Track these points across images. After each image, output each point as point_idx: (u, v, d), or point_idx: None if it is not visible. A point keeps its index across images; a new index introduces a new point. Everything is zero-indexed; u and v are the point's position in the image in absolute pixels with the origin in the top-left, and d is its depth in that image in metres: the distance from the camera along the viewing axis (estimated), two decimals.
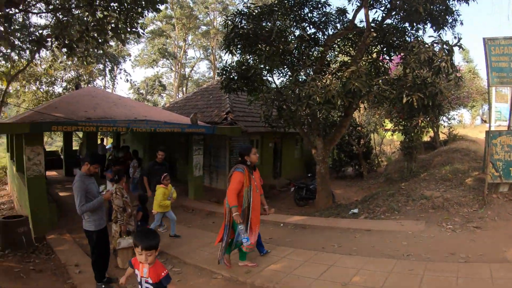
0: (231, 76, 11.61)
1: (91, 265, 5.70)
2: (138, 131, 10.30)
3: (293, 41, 11.00)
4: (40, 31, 14.45)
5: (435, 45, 8.69)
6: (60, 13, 9.97)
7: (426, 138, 23.33)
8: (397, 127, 18.70)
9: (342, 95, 8.41)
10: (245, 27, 10.43)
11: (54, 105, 10.12)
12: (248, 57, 11.87)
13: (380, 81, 9.44)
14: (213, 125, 12.74)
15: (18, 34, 13.06)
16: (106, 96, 13.43)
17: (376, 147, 25.36)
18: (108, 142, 27.95)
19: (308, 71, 11.44)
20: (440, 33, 9.68)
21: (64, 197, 13.11)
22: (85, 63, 22.19)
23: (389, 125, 22.59)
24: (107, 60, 30.02)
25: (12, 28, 10.15)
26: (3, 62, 17.43)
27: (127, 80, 42.10)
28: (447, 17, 9.77)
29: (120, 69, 35.28)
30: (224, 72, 11.69)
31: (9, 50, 14.72)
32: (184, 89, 46.88)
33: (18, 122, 8.34)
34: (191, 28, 41.82)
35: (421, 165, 15.56)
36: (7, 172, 21.44)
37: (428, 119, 10.24)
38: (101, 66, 31.32)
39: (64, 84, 26.16)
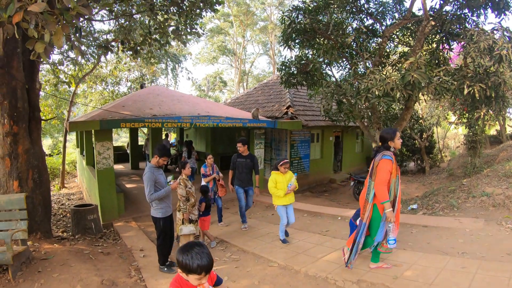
0: (291, 71, 11.70)
1: (156, 250, 6.20)
2: (201, 126, 10.74)
3: (350, 34, 10.81)
4: (105, 37, 15.42)
5: (495, 32, 8.33)
6: (122, 19, 10.64)
7: (492, 132, 22.31)
8: (460, 120, 18.05)
9: (401, 87, 8.18)
10: (302, 21, 10.39)
11: (121, 104, 10.83)
12: (307, 51, 11.87)
13: (441, 72, 9.10)
14: (274, 119, 12.87)
15: (84, 40, 13.93)
16: (170, 94, 13.98)
17: (439, 141, 24.47)
18: (171, 137, 28.95)
19: (367, 64, 11.23)
20: (502, 19, 9.22)
21: (130, 188, 14.04)
22: (148, 64, 23.23)
23: (452, 117, 21.77)
24: (168, 59, 31.03)
25: (81, 37, 10.88)
26: (72, 66, 18.57)
27: (189, 78, 43.28)
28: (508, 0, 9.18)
29: (182, 68, 36.38)
30: (283, 67, 11.82)
31: (79, 57, 15.80)
32: (244, 84, 47.24)
33: (89, 120, 9.06)
34: (249, 25, 42.13)
35: (485, 161, 14.87)
36: (76, 166, 23.01)
37: (491, 111, 9.71)
38: (163, 66, 32.46)
39: (129, 83, 27.34)
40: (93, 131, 10.04)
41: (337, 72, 13.19)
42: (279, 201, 7.05)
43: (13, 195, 6.21)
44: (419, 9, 11.53)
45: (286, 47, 11.27)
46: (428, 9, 9.61)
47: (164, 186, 5.88)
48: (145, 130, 30.14)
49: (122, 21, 10.62)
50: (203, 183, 8.38)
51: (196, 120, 10.38)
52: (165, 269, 6.02)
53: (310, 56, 11.60)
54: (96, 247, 7.31)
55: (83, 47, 13.14)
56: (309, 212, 10.16)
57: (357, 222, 5.36)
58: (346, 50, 11.45)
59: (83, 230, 8.45)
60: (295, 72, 11.51)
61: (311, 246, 6.76)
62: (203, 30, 12.89)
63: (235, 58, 45.43)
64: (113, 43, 9.87)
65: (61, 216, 11.54)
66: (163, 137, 19.07)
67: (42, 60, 7.18)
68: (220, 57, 45.22)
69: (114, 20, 11.24)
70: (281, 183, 6.97)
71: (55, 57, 23.36)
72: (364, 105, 9.66)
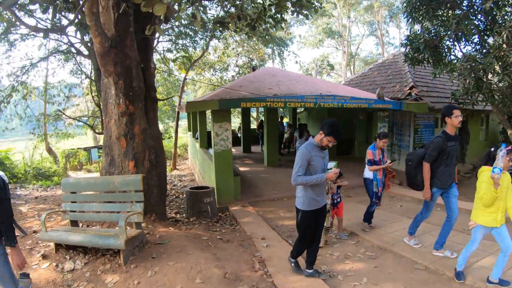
0: (418, 46, 10.32)
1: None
2: (324, 107, 9.93)
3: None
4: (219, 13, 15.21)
5: None
6: None
7: None
8: None
9: None
10: None
11: (238, 84, 10.40)
12: (433, 23, 10.46)
13: None
14: (397, 101, 11.74)
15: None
16: (286, 74, 13.36)
17: None
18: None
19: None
20: None
21: (244, 172, 13.65)
22: (262, 45, 23.05)
23: None
24: (275, 44, 30.70)
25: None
26: (182, 52, 18.91)
27: (296, 62, 42.71)
28: None
29: (289, 52, 35.80)
30: (409, 42, 10.55)
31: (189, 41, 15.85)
32: (351, 68, 45.59)
33: (208, 99, 8.69)
34: (353, 4, 39.99)
35: None
36: (187, 149, 23.74)
37: None
38: (269, 51, 32.21)
39: (237, 69, 27.47)
40: (210, 112, 9.68)
41: (464, 47, 11.40)
42: (483, 216, 4.40)
43: (129, 176, 5.88)
44: None
45: (410, 19, 10.14)
46: None
47: (319, 172, 4.56)
48: (254, 114, 30.11)
49: None
50: (367, 172, 7.06)
51: (320, 100, 9.55)
52: (293, 264, 5.15)
53: (434, 29, 10.20)
54: (214, 233, 6.83)
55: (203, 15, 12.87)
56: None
57: None
58: (481, 19, 9.95)
59: (198, 213, 8.08)
60: (423, 47, 10.09)
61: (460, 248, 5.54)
62: (321, 4, 11.99)
63: (341, 40, 43.74)
64: (228, 19, 9.37)
65: (174, 197, 11.42)
66: (279, 119, 18.59)
67: (157, 36, 6.83)
68: (325, 40, 43.77)
69: None
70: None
71: (165, 44, 24.22)
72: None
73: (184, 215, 8.52)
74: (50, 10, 7.92)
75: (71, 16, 8.60)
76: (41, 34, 9.78)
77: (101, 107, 7.42)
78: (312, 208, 4.65)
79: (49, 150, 24.14)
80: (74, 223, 6.04)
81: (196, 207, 8.11)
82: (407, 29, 11.20)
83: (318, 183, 4.51)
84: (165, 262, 4.95)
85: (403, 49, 11.32)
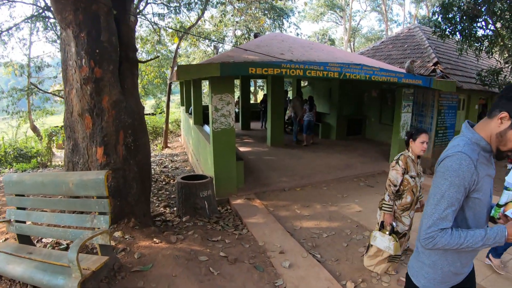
0: (452, 16, 9.25)
1: None
2: (350, 78, 8.09)
3: None
4: None
5: None
6: None
7: None
8: None
9: None
10: None
11: (243, 48, 8.42)
12: None
13: None
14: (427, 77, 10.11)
15: None
16: (296, 40, 11.50)
17: None
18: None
19: None
20: None
21: (244, 152, 11.85)
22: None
23: None
24: (275, 13, 28.79)
25: None
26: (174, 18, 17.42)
27: (297, 34, 40.84)
28: None
29: (290, 23, 33.97)
30: (443, 10, 9.25)
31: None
32: (351, 44, 43.79)
33: (206, 63, 6.77)
34: None
35: None
36: (180, 125, 21.99)
37: None
38: (269, 21, 30.32)
39: (234, 40, 25.65)
40: (208, 82, 7.73)
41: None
42: None
43: (87, 174, 3.89)
44: None
45: None
46: None
47: (484, 210, 2.05)
48: (252, 89, 28.32)
49: None
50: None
51: (345, 69, 7.77)
52: None
53: None
54: (215, 246, 4.96)
55: None
56: None
57: None
58: None
59: (193, 210, 6.29)
60: (460, 16, 9.07)
61: None
62: None
63: (343, 14, 42.03)
64: None
65: (164, 183, 9.55)
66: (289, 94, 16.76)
67: None
68: (326, 13, 42.21)
69: None
70: None
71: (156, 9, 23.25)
72: None
73: (175, 209, 6.73)
74: None
75: None
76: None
77: (61, 73, 5.45)
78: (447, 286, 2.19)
79: (34, 129, 22.99)
80: (23, 239, 4.20)
81: (190, 202, 6.31)
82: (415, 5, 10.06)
83: (482, 246, 1.91)
84: None
85: (416, 23, 9.87)
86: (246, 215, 6.45)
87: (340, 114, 14.62)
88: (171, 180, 9.68)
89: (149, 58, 20.80)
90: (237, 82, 19.48)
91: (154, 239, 4.70)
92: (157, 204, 7.29)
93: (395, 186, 4.01)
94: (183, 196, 6.35)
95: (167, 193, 8.42)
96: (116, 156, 4.76)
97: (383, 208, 4.13)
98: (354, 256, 5.00)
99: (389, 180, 4.04)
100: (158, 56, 21.29)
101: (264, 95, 17.54)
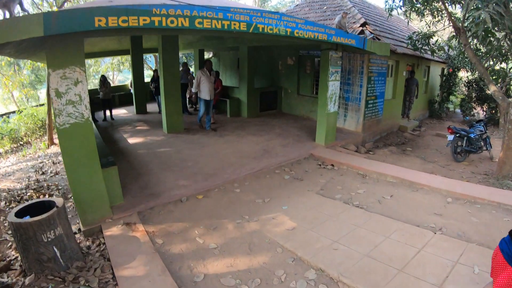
0: None
1: None
2: (265, 32, 5.85)
3: None
4: None
5: None
6: None
7: None
8: None
9: None
10: None
11: None
12: None
13: None
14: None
15: None
16: None
17: None
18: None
19: None
20: None
21: (134, 145, 9.19)
22: None
23: None
24: None
25: None
26: None
27: None
28: None
29: None
30: None
31: None
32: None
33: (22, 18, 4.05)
34: None
35: None
36: None
37: None
38: None
39: None
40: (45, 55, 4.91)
41: None
42: None
43: None
44: None
45: None
46: None
47: None
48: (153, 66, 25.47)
49: None
50: None
51: (257, 20, 5.63)
52: None
53: None
54: None
55: None
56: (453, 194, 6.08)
57: None
58: None
59: (39, 264, 3.89)
60: None
61: None
62: None
63: None
64: None
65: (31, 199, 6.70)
66: (182, 66, 13.96)
67: None
68: None
69: None
70: None
71: None
72: None
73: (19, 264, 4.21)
74: None
75: None
76: None
77: None
78: None
79: None
80: None
81: (32, 252, 3.87)
82: None
83: None
84: None
85: None
86: (119, 261, 4.10)
87: (251, 87, 12.59)
88: (41, 196, 6.91)
89: None
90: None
91: None
92: (10, 244, 4.79)
93: None
94: (21, 243, 3.87)
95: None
96: None
97: None
98: None
99: None
100: None
101: (154, 71, 14.62)
